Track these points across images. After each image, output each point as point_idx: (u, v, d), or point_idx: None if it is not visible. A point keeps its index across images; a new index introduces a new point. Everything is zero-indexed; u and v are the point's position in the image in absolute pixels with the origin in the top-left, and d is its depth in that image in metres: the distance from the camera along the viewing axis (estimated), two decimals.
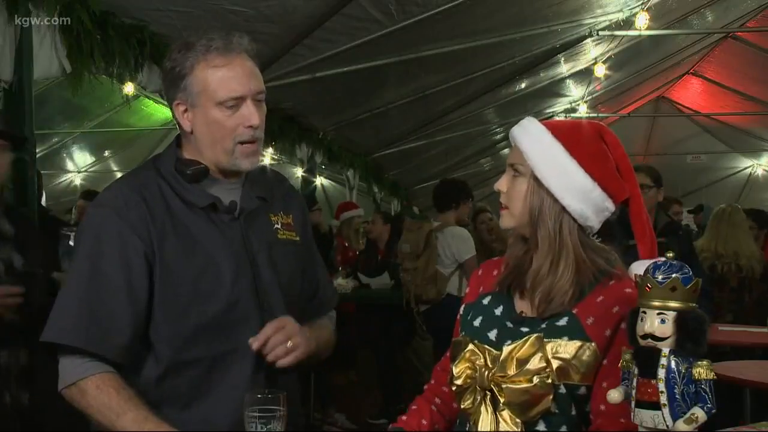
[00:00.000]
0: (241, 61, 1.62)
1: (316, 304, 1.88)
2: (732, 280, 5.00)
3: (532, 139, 1.51)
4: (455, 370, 1.50)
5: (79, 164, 10.75)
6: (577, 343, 1.43)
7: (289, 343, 1.59)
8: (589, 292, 1.48)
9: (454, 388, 1.51)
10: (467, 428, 1.52)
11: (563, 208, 1.48)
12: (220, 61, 1.59)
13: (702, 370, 1.18)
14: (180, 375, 1.59)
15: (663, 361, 1.19)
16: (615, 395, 1.27)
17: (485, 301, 1.59)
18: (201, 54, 1.59)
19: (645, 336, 1.21)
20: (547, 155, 1.48)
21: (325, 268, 1.97)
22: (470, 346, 1.50)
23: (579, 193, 1.47)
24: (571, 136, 1.50)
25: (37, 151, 3.56)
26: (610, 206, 1.50)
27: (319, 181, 10.61)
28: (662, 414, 1.18)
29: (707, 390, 1.18)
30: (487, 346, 1.49)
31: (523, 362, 1.42)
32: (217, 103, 1.59)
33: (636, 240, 1.41)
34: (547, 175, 1.47)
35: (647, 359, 1.21)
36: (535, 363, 1.41)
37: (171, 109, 1.67)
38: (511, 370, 1.43)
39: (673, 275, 1.20)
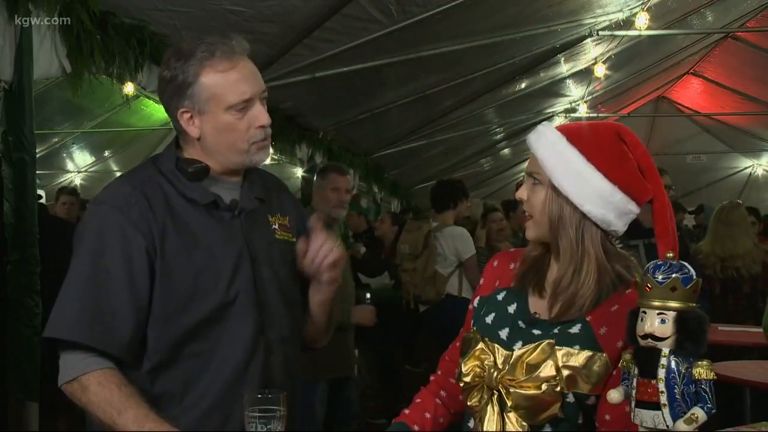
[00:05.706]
0: (244, 63, 1.63)
1: None
2: (744, 284, 4.78)
3: (548, 147, 1.47)
4: (464, 367, 1.49)
5: (79, 164, 10.75)
6: (588, 353, 1.42)
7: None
8: (604, 299, 1.46)
9: (461, 385, 1.50)
10: (473, 425, 1.52)
11: (584, 215, 1.44)
12: (226, 65, 1.59)
13: (702, 370, 1.18)
14: (174, 368, 1.59)
15: (663, 361, 1.19)
16: (615, 395, 1.27)
17: (499, 297, 1.58)
18: (206, 60, 1.59)
19: (645, 336, 1.21)
20: (563, 162, 1.44)
21: None
22: (480, 344, 1.49)
23: (599, 199, 1.43)
24: (588, 140, 1.46)
25: (37, 151, 3.53)
26: (633, 208, 1.45)
27: None
28: (662, 414, 1.18)
29: (707, 390, 1.18)
30: (497, 345, 1.49)
31: (533, 367, 1.41)
32: (226, 108, 1.60)
33: (657, 239, 1.37)
34: (564, 183, 1.44)
35: (647, 359, 1.21)
36: (545, 370, 1.40)
37: (172, 117, 1.66)
38: (521, 375, 1.42)
39: (673, 275, 1.20)
